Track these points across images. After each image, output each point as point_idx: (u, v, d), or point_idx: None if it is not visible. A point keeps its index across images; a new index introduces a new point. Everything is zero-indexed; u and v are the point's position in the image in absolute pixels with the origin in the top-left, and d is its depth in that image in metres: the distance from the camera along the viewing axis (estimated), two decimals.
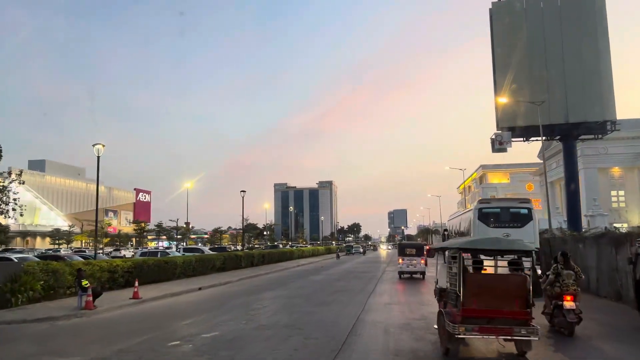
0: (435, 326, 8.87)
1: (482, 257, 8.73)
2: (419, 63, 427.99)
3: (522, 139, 31.65)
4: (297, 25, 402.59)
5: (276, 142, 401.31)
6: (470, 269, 8.42)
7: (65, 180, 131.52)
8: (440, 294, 9.20)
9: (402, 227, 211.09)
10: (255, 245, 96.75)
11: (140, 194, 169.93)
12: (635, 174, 56.58)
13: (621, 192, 58.30)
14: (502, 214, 17.90)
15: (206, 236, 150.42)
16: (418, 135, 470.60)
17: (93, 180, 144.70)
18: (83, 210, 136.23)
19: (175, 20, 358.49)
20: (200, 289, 18.98)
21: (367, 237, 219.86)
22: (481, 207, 18.54)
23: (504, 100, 29.77)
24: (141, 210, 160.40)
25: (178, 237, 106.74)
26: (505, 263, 8.70)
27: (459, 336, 7.26)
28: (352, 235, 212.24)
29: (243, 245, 77.77)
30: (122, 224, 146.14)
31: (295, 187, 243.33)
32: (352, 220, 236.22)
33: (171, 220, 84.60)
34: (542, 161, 76.75)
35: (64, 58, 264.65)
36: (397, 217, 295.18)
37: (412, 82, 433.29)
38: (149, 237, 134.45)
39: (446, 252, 9.95)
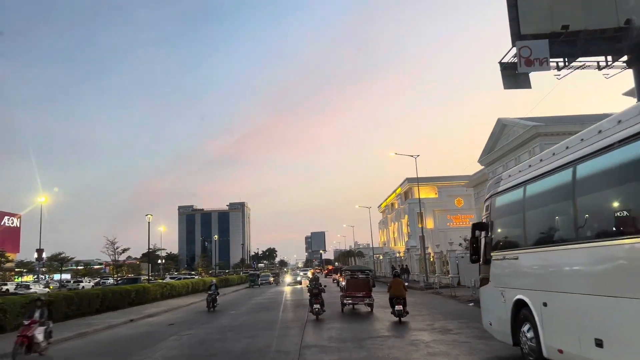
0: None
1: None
2: (337, 90, 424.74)
3: (559, 60, 16.39)
4: (212, 49, 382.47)
5: (190, 168, 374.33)
6: (348, 275, 21.11)
7: None
8: (341, 288, 24.25)
9: (321, 251, 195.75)
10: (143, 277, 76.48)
11: (6, 217, 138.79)
12: None
13: None
14: None
15: (98, 267, 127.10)
16: (336, 161, 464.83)
17: None
18: None
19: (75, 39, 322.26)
20: None
21: (282, 263, 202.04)
22: None
23: None
24: (7, 237, 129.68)
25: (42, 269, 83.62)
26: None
27: (345, 302, 19.75)
28: (267, 261, 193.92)
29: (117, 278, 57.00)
30: None
31: (202, 209, 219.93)
32: (270, 246, 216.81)
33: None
34: (475, 172, 66.01)
35: None
36: (315, 241, 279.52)
37: (330, 109, 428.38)
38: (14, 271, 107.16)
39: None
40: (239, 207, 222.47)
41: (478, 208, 66.17)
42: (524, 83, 16.52)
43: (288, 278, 64.83)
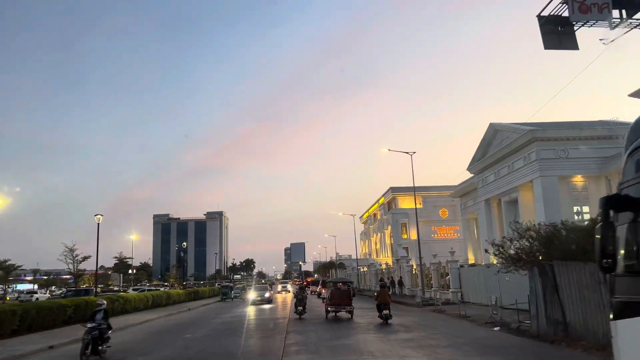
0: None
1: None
2: (319, 102, 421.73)
3: (614, 17, 12.60)
4: (195, 59, 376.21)
5: (171, 177, 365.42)
6: (332, 287, 24.00)
7: None
8: (323, 298, 30.85)
9: (300, 262, 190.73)
10: (112, 288, 71.45)
11: None
12: (602, 184, 41.25)
13: (585, 208, 42.45)
14: None
15: (67, 277, 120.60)
16: (317, 173, 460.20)
17: None
18: None
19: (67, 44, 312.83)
20: None
21: (260, 274, 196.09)
22: None
23: None
24: None
25: None
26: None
27: (329, 309, 22.68)
28: (244, 273, 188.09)
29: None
30: None
31: (178, 218, 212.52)
32: (249, 257, 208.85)
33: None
34: (462, 182, 62.59)
35: None
36: (294, 252, 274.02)
37: (311, 121, 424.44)
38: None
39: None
40: (216, 217, 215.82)
41: (465, 219, 62.88)
42: (569, 42, 12.75)
43: (251, 294, 40.23)
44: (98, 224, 26.40)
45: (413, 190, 34.19)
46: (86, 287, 51.17)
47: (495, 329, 15.03)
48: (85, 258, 55.24)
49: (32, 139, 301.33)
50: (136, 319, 24.81)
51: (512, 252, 12.57)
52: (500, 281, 21.90)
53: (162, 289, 52.15)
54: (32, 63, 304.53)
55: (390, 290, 41.71)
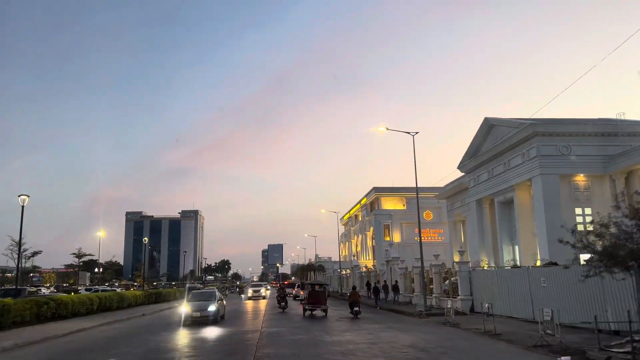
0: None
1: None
2: (300, 105, 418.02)
3: None
4: (176, 59, 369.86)
5: (149, 177, 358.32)
6: (309, 288, 28.43)
7: None
8: (301, 300, 35.73)
9: (278, 264, 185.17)
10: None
11: None
12: (605, 184, 37.71)
13: (588, 210, 38.77)
14: None
15: (31, 275, 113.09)
16: (299, 176, 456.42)
17: None
18: None
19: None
20: None
21: (236, 276, 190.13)
22: None
23: None
24: None
25: None
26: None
27: (306, 308, 26.72)
28: (219, 274, 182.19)
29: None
30: None
31: (152, 216, 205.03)
32: (225, 258, 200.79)
33: None
34: (449, 182, 58.83)
35: None
36: (272, 253, 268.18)
37: (292, 125, 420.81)
38: None
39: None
40: (192, 216, 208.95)
41: (451, 221, 59.09)
42: None
43: (185, 307, 23.07)
44: (22, 206, 21.34)
45: (415, 177, 29.72)
46: (20, 287, 44.91)
47: (564, 359, 10.22)
48: (35, 253, 49.46)
49: (5, 135, 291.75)
50: (66, 328, 19.75)
51: (606, 243, 8.19)
52: (533, 287, 17.39)
53: (119, 289, 46.59)
54: (8, 57, 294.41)
55: (382, 295, 37.24)
